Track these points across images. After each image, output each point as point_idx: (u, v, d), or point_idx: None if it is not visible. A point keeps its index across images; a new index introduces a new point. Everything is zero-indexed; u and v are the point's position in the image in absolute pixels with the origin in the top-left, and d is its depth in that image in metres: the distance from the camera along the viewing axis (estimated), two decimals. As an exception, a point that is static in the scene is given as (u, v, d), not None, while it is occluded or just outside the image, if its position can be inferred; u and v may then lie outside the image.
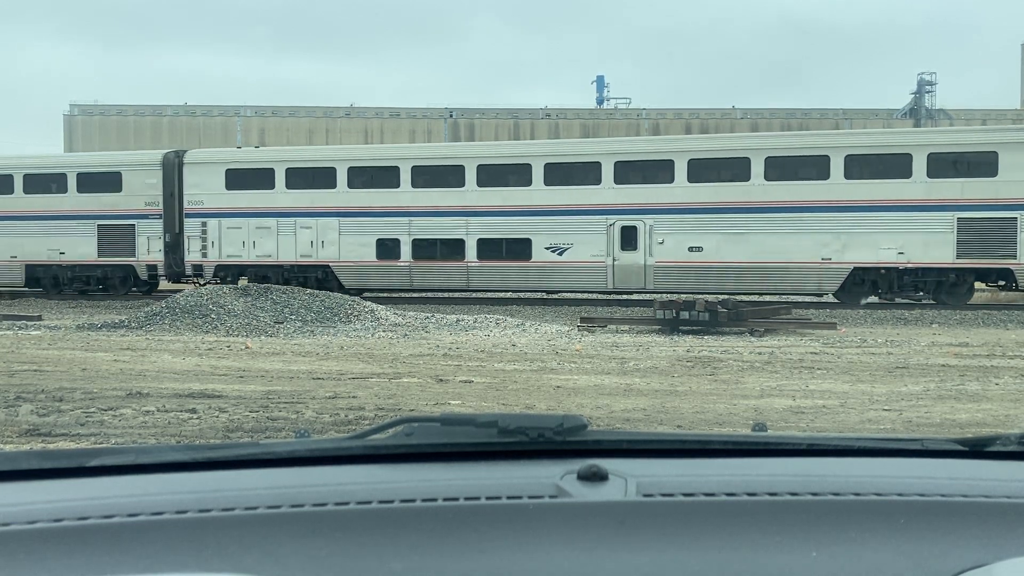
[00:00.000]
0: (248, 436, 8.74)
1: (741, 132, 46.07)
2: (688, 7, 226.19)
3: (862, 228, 25.09)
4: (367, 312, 20.67)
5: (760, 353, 15.35)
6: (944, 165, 24.75)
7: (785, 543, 1.36)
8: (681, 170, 26.28)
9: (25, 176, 31.27)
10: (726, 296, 22.77)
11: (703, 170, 26.25)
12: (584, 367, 13.81)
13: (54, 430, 9.01)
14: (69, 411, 9.93)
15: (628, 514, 1.42)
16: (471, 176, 27.76)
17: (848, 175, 25.24)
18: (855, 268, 25.35)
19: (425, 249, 28.18)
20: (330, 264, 28.97)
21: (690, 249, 26.22)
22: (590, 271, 26.94)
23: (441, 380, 12.41)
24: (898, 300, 25.49)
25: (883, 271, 25.26)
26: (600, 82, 69.52)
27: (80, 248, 30.65)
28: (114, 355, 15.26)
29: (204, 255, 29.87)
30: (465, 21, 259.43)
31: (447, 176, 28.16)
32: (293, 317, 20.00)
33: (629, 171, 26.87)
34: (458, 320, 20.57)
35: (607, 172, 26.77)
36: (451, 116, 58.55)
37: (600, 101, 67.96)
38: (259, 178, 29.40)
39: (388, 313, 20.97)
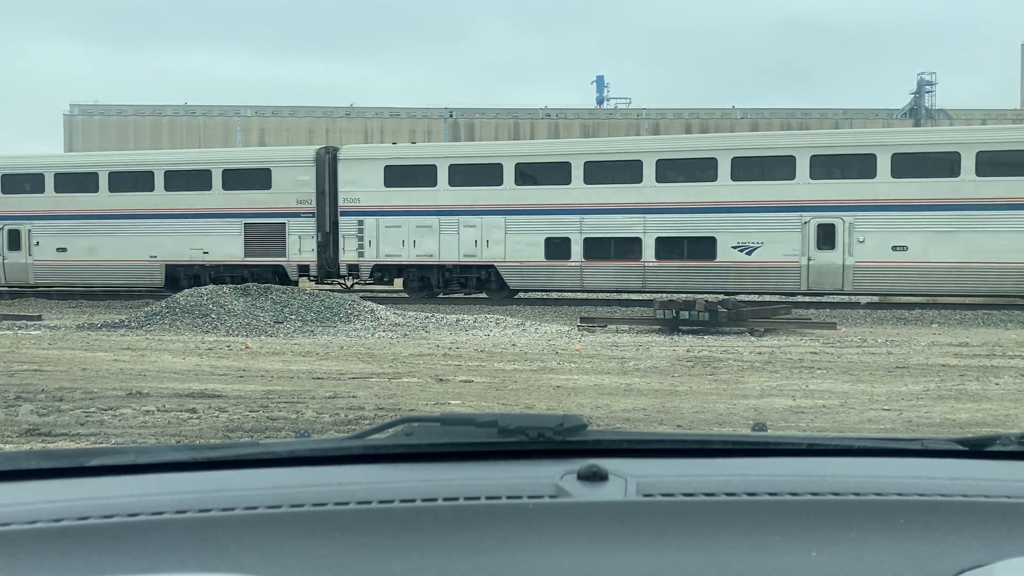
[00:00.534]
0: (248, 436, 8.73)
1: (741, 132, 44.63)
2: (688, 7, 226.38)
3: None
4: (367, 312, 20.68)
5: (760, 353, 15.36)
6: None
7: (785, 543, 1.36)
8: (884, 165, 24.98)
9: (167, 173, 30.22)
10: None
11: (907, 165, 24.91)
12: (584, 367, 13.81)
13: (54, 430, 9.01)
14: (69, 411, 9.93)
15: (628, 514, 1.42)
16: (649, 171, 26.60)
17: None
18: None
19: (598, 248, 27.04)
20: (495, 264, 27.85)
21: (894, 248, 25.02)
22: (782, 271, 25.70)
23: (441, 380, 12.42)
24: None
25: None
26: (600, 82, 69.56)
27: (225, 247, 29.71)
28: (114, 355, 15.27)
29: (361, 254, 28.72)
30: (465, 21, 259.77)
31: (623, 171, 27.12)
32: (293, 317, 20.01)
33: (826, 165, 25.62)
34: (458, 320, 20.59)
35: (802, 167, 25.55)
36: (451, 116, 58.56)
37: (600, 101, 67.98)
38: (420, 175, 28.34)
39: (388, 313, 20.98)
